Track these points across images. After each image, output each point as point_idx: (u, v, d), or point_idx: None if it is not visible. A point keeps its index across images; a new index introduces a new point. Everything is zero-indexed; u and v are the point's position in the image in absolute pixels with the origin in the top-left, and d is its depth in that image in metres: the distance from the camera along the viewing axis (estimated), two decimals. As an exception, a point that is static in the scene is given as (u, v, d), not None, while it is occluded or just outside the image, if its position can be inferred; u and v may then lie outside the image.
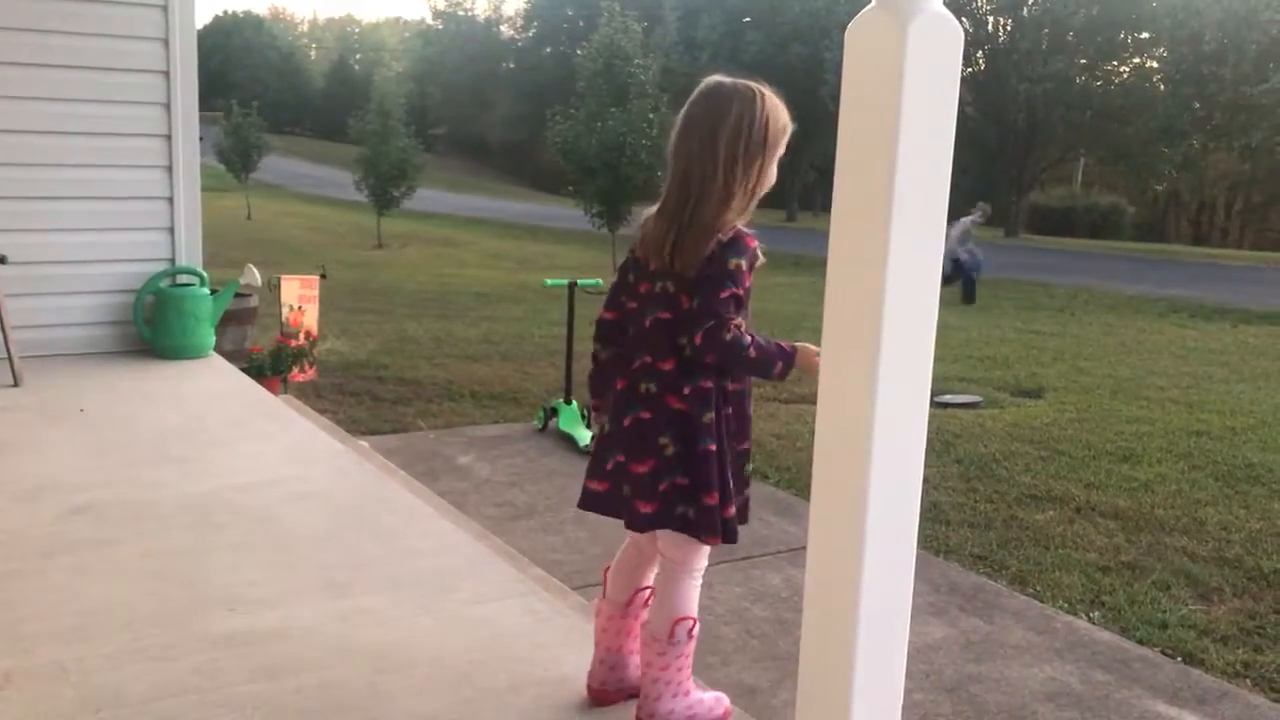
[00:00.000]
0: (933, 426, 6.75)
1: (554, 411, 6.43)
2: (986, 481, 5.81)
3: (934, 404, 7.51)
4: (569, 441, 6.14)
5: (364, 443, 5.55)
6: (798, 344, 2.21)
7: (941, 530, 4.96)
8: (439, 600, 3.00)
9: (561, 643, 2.79)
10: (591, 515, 4.72)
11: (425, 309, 12.19)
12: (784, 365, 2.20)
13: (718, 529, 2.22)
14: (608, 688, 2.49)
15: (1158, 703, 3.38)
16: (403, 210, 23.07)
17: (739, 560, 4.43)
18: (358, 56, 75.44)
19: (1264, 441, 7.08)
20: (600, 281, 7.55)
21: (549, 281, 6.85)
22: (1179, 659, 3.75)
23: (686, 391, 2.20)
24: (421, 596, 3.02)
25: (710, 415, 2.20)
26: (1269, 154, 36.51)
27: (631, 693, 2.47)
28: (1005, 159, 39.03)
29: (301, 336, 6.77)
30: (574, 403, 6.37)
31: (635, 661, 2.49)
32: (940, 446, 6.35)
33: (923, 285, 1.75)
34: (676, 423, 2.21)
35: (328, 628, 2.80)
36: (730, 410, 2.24)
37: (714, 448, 2.20)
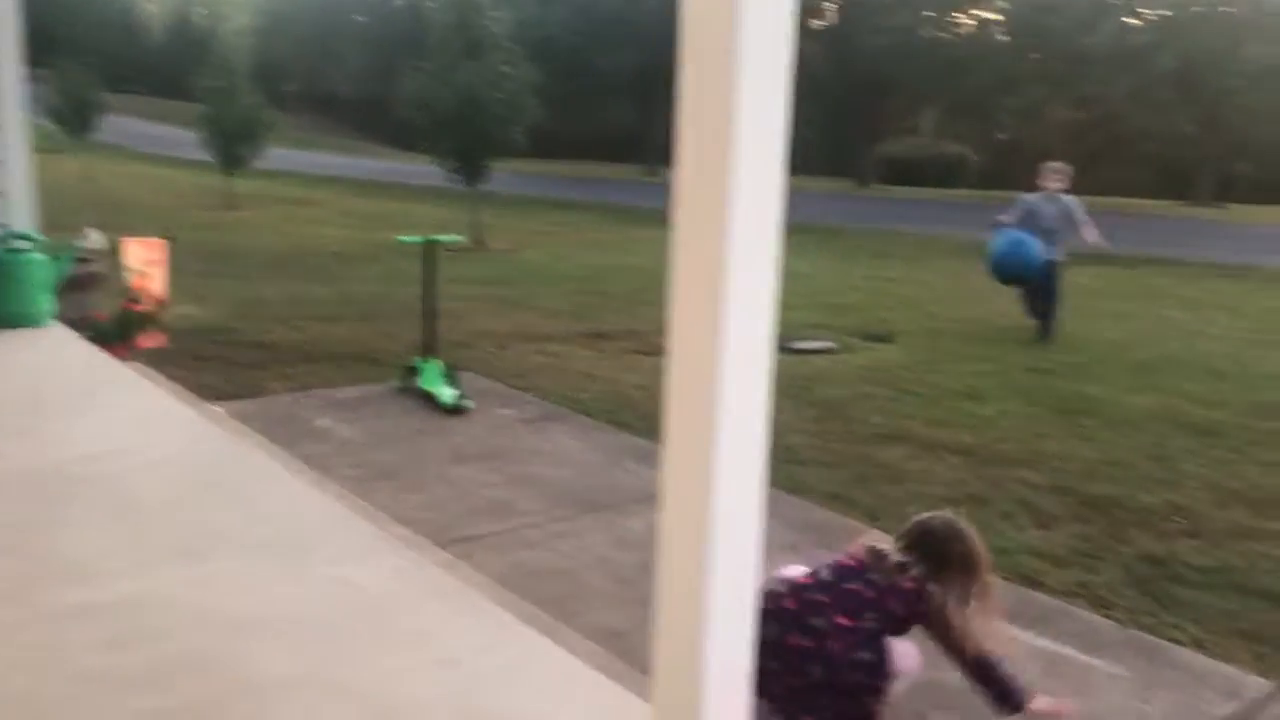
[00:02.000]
0: (787, 372, 6.91)
1: (415, 370, 6.37)
2: (839, 423, 6.00)
3: (788, 350, 7.68)
4: (431, 400, 6.10)
5: (218, 408, 5.41)
6: None
7: (797, 471, 5.11)
8: (299, 562, 2.98)
9: (425, 598, 2.80)
10: (456, 472, 4.72)
11: (279, 270, 11.88)
12: None
13: None
14: None
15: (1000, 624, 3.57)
16: (252, 170, 22.32)
17: (604, 509, 4.50)
18: (199, 10, 72.27)
19: (1098, 376, 7.47)
20: (459, 237, 7.48)
21: (404, 239, 6.75)
22: (1020, 582, 3.96)
23: None
24: (281, 559, 2.99)
25: None
26: (1102, 102, 38.08)
27: None
28: (855, 111, 39.82)
29: (148, 301, 6.55)
30: (435, 361, 6.31)
31: None
32: (795, 391, 6.52)
33: (762, 229, 1.80)
34: None
35: (183, 595, 2.75)
36: None
37: None
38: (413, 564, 3.03)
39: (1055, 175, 9.39)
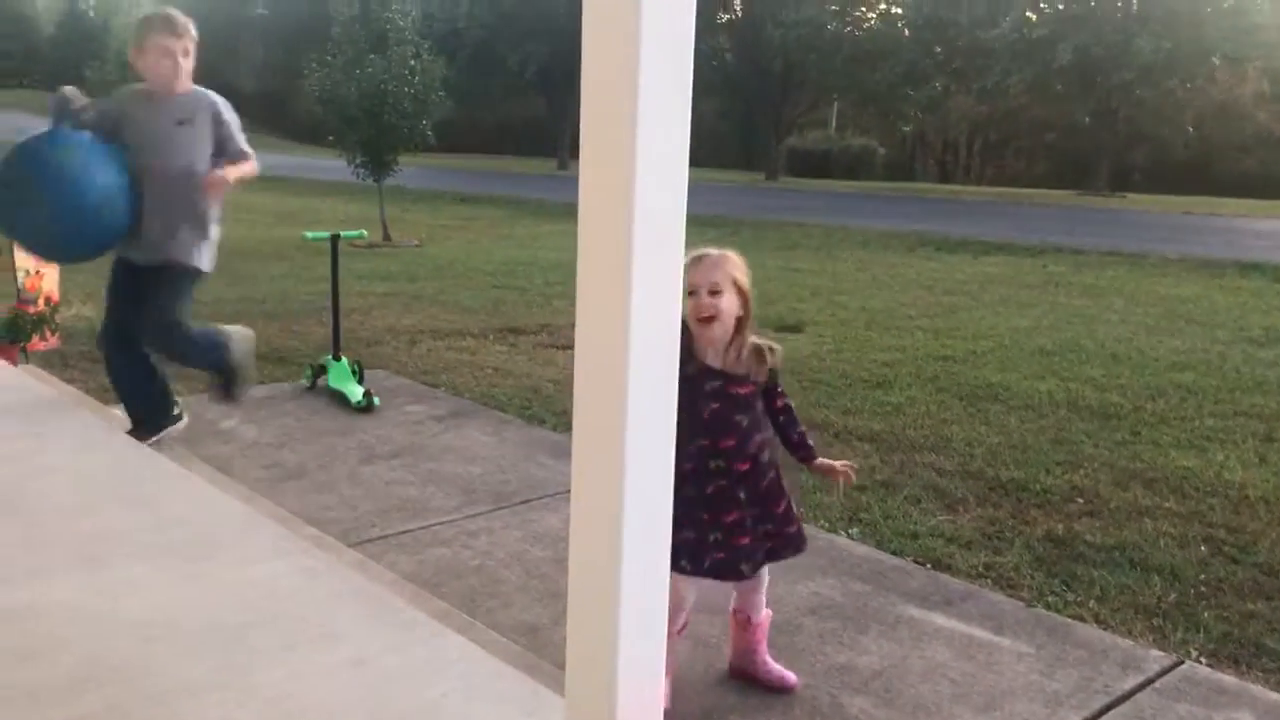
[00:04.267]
0: (701, 364, 6.90)
1: (323, 369, 6.27)
2: (753, 414, 6.04)
3: (702, 342, 7.72)
4: (340, 399, 6.00)
5: (117, 411, 5.26)
6: None
7: (711, 463, 5.14)
8: (205, 565, 2.91)
9: (335, 599, 2.76)
10: (367, 471, 4.67)
11: (180, 269, 11.58)
12: None
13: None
14: None
15: (910, 607, 3.64)
16: (150, 166, 21.75)
17: (518, 504, 4.48)
18: (91, 1, 70.17)
19: (1002, 362, 7.64)
20: (365, 233, 7.36)
21: (310, 235, 6.62)
22: (929, 566, 4.03)
23: None
24: (186, 562, 2.92)
25: None
26: (1003, 95, 39.02)
27: None
28: (764, 104, 40.19)
29: (41, 302, 6.34)
30: (343, 359, 6.22)
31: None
32: (709, 383, 6.55)
33: (669, 218, 1.81)
34: None
35: (86, 602, 2.67)
36: None
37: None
38: (323, 564, 2.98)
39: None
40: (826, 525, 4.38)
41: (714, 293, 2.87)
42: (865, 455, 5.33)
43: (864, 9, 41.64)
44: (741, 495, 2.84)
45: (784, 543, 2.96)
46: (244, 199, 21.82)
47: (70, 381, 5.76)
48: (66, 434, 4.13)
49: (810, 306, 9.97)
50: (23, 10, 67.20)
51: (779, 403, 2.99)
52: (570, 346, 2.15)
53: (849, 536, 4.28)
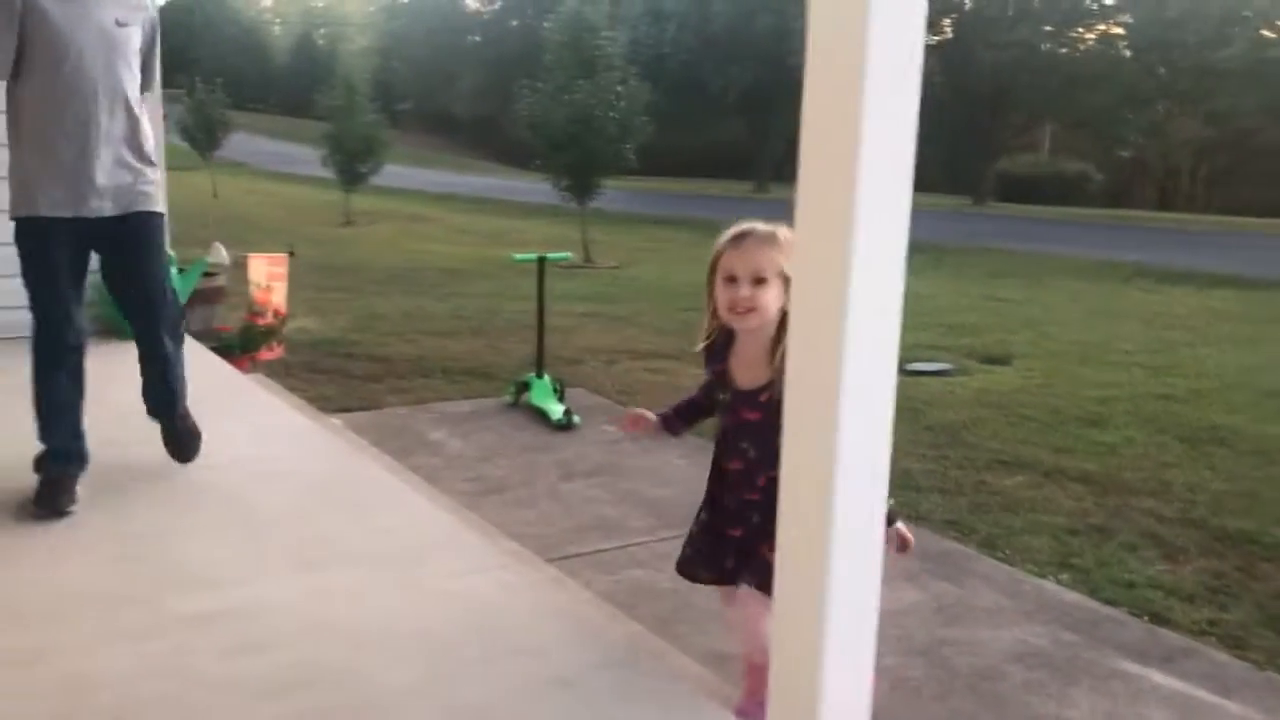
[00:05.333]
0: (902, 394, 6.80)
1: (526, 386, 6.42)
2: (956, 448, 5.86)
3: (903, 372, 7.54)
4: (541, 416, 6.13)
5: (335, 420, 5.53)
6: None
7: (912, 496, 4.99)
8: (412, 574, 3.01)
9: (533, 613, 2.80)
10: (565, 488, 4.74)
11: (394, 285, 12.12)
12: None
13: None
14: None
15: (1125, 661, 3.43)
16: (370, 186, 22.88)
17: (712, 530, 4.46)
18: (321, 31, 74.60)
19: (1228, 404, 7.17)
20: (570, 255, 7.53)
21: (517, 256, 6.82)
22: (1146, 618, 3.80)
23: None
24: (394, 571, 3.02)
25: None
26: (1232, 119, 36.82)
27: None
28: (973, 127, 39.11)
29: (270, 315, 6.73)
30: (545, 377, 6.35)
31: None
32: (910, 414, 6.39)
33: (889, 249, 1.76)
34: None
35: (301, 605, 2.80)
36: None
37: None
38: (523, 580, 3.03)
39: None
40: (1034, 569, 4.19)
41: (759, 281, 2.39)
42: (1078, 497, 5.09)
43: (1081, 30, 40.06)
44: (755, 519, 2.54)
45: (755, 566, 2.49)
46: (457, 220, 22.71)
47: (292, 390, 6.08)
48: (288, 440, 4.36)
49: (1018, 338, 9.60)
50: (261, 40, 72.07)
51: None
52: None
53: (1058, 582, 4.08)
